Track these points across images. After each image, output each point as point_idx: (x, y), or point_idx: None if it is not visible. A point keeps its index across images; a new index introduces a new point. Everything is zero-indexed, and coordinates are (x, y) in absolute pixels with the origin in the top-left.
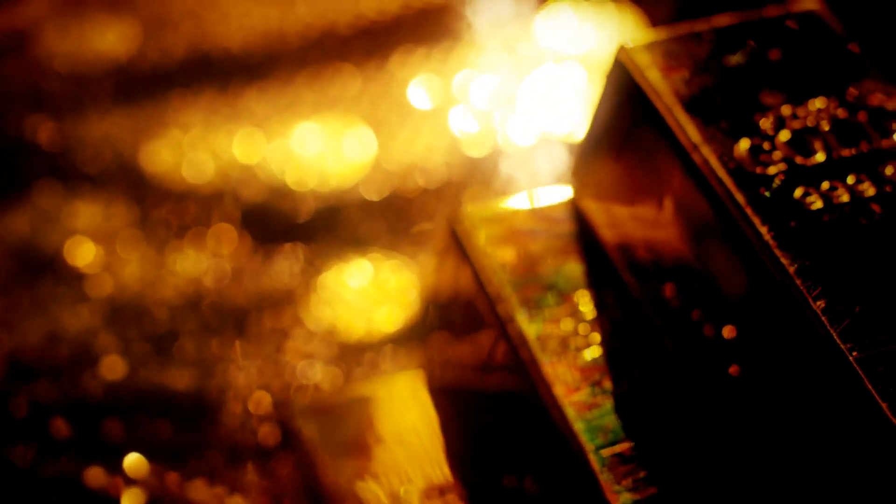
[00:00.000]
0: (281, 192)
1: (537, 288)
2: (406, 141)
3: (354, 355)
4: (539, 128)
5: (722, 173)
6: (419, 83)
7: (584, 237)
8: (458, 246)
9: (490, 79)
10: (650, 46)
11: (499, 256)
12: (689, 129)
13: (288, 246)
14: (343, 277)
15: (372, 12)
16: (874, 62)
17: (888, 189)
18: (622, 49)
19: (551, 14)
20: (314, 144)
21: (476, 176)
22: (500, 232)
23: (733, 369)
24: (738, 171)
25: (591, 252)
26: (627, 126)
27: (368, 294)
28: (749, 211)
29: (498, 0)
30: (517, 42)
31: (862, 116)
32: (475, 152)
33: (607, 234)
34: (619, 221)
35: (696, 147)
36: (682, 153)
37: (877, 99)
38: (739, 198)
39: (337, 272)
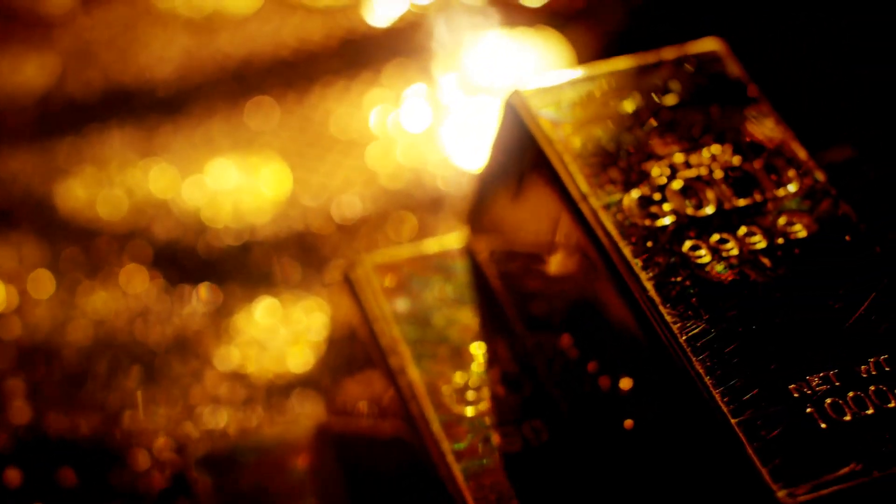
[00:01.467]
0: (194, 230)
1: (430, 339)
2: (323, 176)
3: (263, 398)
4: (459, 163)
5: (609, 225)
6: (339, 116)
7: (480, 286)
8: (353, 294)
9: (412, 112)
10: (544, 89)
11: (392, 306)
12: (578, 178)
13: (199, 285)
14: (254, 318)
15: (293, 41)
16: (774, 104)
17: (779, 241)
18: (515, 92)
19: (479, 45)
20: (230, 180)
21: (392, 213)
22: (395, 281)
23: (628, 423)
24: (626, 222)
25: (486, 301)
26: (520, 171)
27: (279, 335)
28: (635, 265)
29: (422, 31)
30: (441, 74)
31: (757, 164)
32: (393, 187)
33: (502, 282)
34: (513, 269)
35: (584, 197)
36: (571, 203)
37: (773, 144)
38: (626, 251)
39: (248, 312)
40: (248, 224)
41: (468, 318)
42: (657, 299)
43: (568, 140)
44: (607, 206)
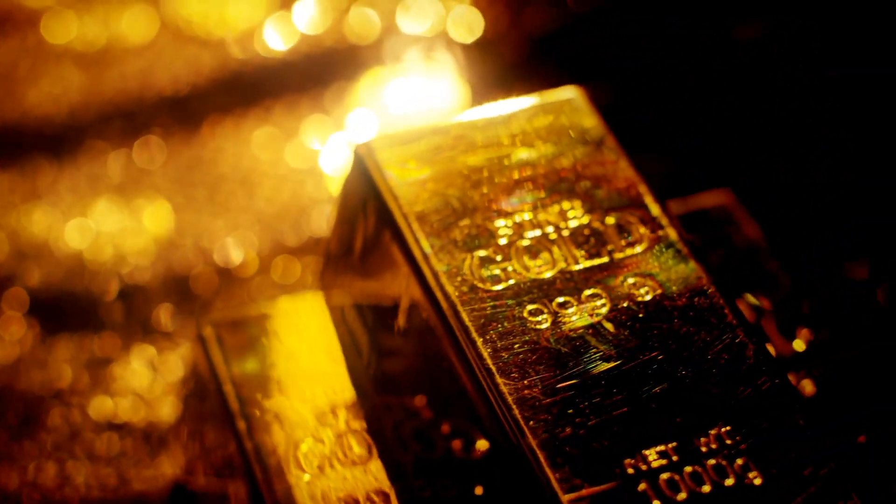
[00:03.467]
0: (75, 274)
1: (278, 400)
2: (209, 217)
3: (137, 448)
4: None
5: (450, 288)
6: (228, 154)
7: (332, 345)
8: (204, 353)
9: (302, 150)
10: (394, 140)
11: (242, 366)
12: (421, 237)
13: (77, 332)
14: (130, 366)
15: (185, 75)
16: (630, 153)
17: (623, 304)
18: (362, 144)
19: (372, 84)
20: (113, 222)
21: (278, 256)
22: (243, 340)
23: (478, 490)
24: (467, 285)
25: (339, 360)
26: (365, 226)
27: (153, 384)
28: (473, 330)
29: (316, 65)
30: (333, 111)
31: (607, 221)
32: (279, 228)
33: (354, 340)
34: (365, 327)
35: (427, 257)
36: (413, 263)
37: (625, 200)
38: (465, 316)
39: (125, 360)
40: (129, 267)
41: (319, 378)
42: (493, 368)
43: (414, 195)
44: (449, 268)
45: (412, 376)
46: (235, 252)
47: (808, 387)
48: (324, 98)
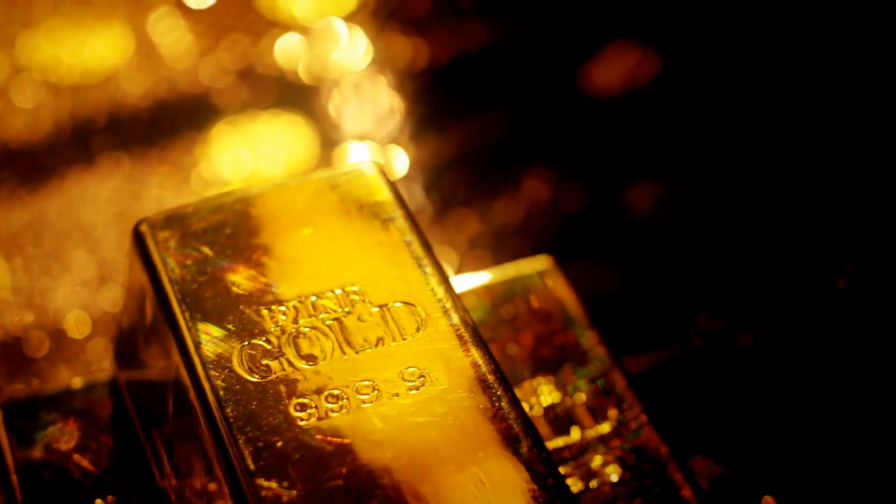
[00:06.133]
0: None
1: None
2: (46, 276)
3: None
4: None
5: (218, 380)
6: (73, 208)
7: (127, 430)
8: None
9: (150, 202)
10: (175, 219)
11: (31, 453)
12: (193, 324)
13: None
14: None
15: (35, 124)
16: (421, 237)
17: (393, 397)
18: (143, 221)
19: (224, 132)
20: None
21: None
22: (32, 425)
23: None
24: (234, 377)
25: (129, 446)
26: (142, 308)
27: None
28: (234, 427)
29: (168, 113)
30: (183, 161)
31: (387, 308)
32: (108, 299)
33: (142, 425)
34: (151, 411)
35: (198, 346)
36: (183, 351)
37: (410, 282)
38: (228, 411)
39: None
40: None
41: (111, 464)
42: (252, 467)
43: (192, 278)
44: (219, 358)
45: (190, 469)
46: (72, 312)
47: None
48: (175, 148)
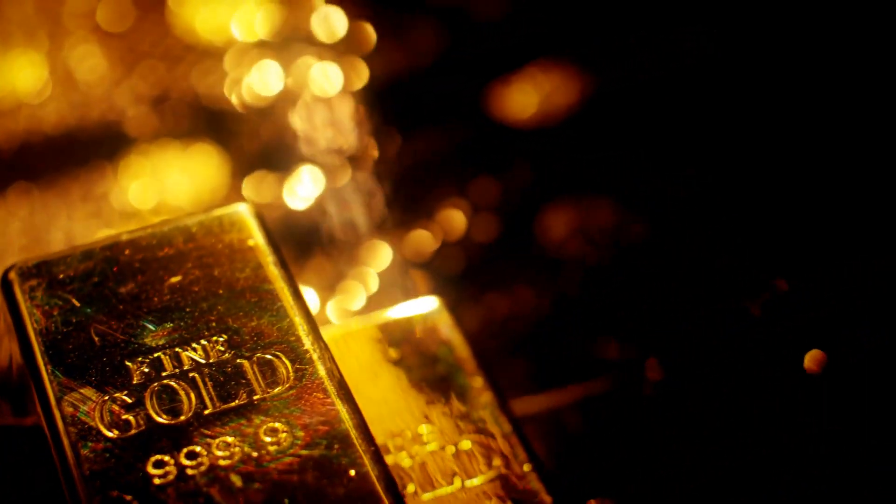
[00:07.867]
0: None
1: None
2: None
3: None
4: None
5: (76, 436)
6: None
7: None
8: None
9: (61, 236)
10: (46, 266)
11: None
12: (54, 378)
13: None
14: None
15: None
16: (289, 277)
17: (255, 454)
18: (13, 268)
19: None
20: None
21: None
22: None
23: None
24: (93, 432)
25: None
26: (11, 357)
27: None
28: (86, 486)
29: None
30: (94, 193)
31: (254, 359)
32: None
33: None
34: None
35: (59, 401)
36: (44, 405)
37: (273, 335)
38: (84, 468)
39: None
40: None
41: None
42: None
43: (56, 328)
44: (79, 412)
45: None
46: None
47: None
48: (86, 177)
